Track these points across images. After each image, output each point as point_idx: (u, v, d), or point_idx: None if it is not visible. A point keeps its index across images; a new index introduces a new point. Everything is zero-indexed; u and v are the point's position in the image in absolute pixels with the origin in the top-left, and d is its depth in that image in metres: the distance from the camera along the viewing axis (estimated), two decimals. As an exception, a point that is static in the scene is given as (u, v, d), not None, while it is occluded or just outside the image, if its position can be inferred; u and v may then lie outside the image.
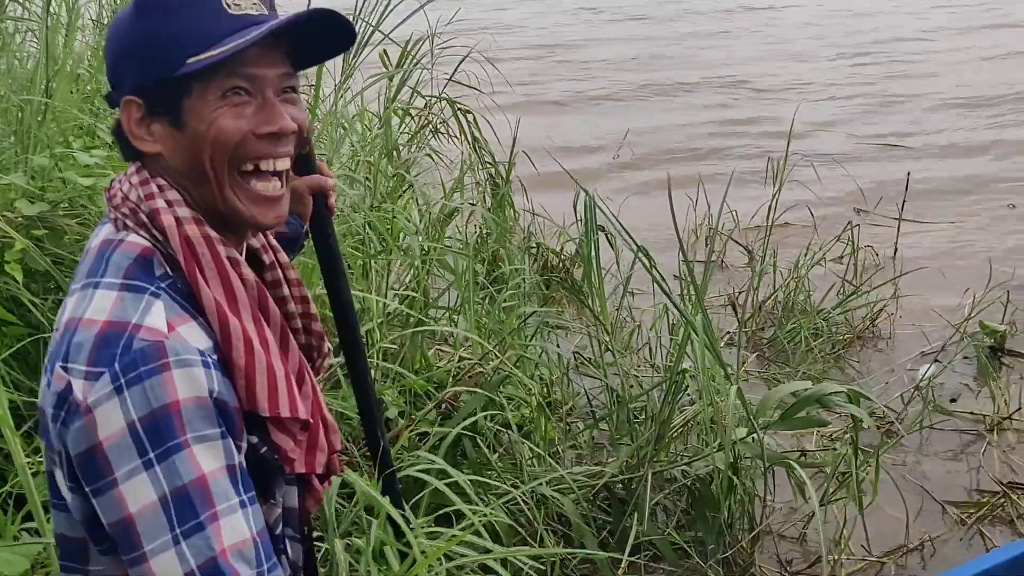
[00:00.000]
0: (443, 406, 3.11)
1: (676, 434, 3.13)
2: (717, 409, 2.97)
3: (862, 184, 6.27)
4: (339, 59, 4.59)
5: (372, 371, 3.07)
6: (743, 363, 4.13)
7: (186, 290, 1.16)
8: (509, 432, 3.00)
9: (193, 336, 1.12)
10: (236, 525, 1.07)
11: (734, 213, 5.48)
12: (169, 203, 1.18)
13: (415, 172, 5.08)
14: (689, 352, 3.07)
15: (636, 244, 2.88)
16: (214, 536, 1.05)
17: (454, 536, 2.12)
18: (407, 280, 3.60)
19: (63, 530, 1.18)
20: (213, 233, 1.19)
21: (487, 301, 3.71)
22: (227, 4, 1.16)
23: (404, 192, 4.60)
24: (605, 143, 7.80)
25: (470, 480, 2.85)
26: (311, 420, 1.22)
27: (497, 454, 3.12)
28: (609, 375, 3.49)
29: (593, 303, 3.58)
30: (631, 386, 3.62)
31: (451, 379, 3.22)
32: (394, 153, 4.46)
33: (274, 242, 1.39)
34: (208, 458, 1.07)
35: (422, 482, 2.60)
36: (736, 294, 4.70)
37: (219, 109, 1.16)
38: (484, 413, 2.98)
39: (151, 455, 1.04)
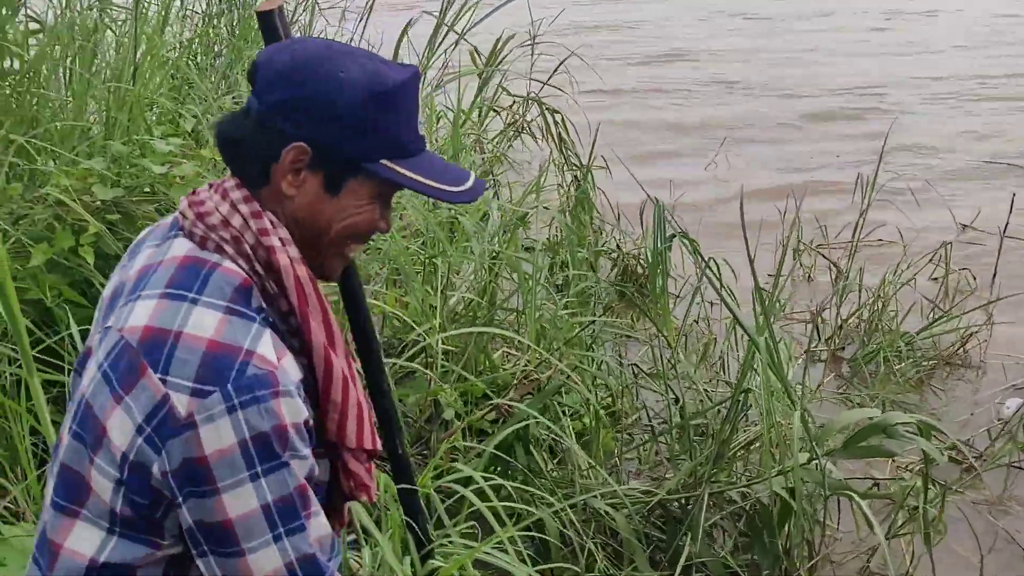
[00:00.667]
0: (500, 409, 3.09)
1: (737, 454, 3.03)
2: (779, 432, 2.87)
3: (970, 203, 5.99)
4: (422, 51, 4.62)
5: (431, 371, 3.09)
6: (820, 383, 3.99)
7: (279, 325, 1.26)
8: (562, 441, 2.95)
9: (292, 369, 1.23)
10: (322, 522, 1.26)
11: (823, 228, 5.32)
12: (283, 241, 1.25)
13: (499, 170, 5.09)
14: (757, 371, 2.97)
15: (702, 257, 2.79)
16: (308, 532, 1.22)
17: (471, 549, 2.08)
18: (473, 281, 3.58)
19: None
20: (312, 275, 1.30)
21: (556, 306, 3.67)
22: (420, 123, 1.32)
23: (486, 190, 4.59)
24: (704, 147, 7.63)
25: (518, 488, 2.83)
26: (383, 454, 1.41)
27: (554, 461, 3.09)
28: (673, 388, 3.41)
29: (657, 313, 3.50)
30: (700, 401, 3.53)
31: (514, 383, 3.20)
32: (473, 151, 4.46)
33: None
34: (302, 471, 1.23)
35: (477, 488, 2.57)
36: (818, 311, 4.55)
37: (369, 205, 1.29)
38: (536, 420, 2.93)
39: (258, 469, 1.17)
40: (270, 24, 1.61)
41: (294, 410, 1.19)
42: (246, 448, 1.15)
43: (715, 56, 10.90)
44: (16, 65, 3.64)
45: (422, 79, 3.98)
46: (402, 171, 1.25)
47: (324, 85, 1.22)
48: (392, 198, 1.35)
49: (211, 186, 1.31)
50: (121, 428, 1.17)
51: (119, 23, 4.02)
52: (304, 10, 5.87)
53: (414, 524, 1.98)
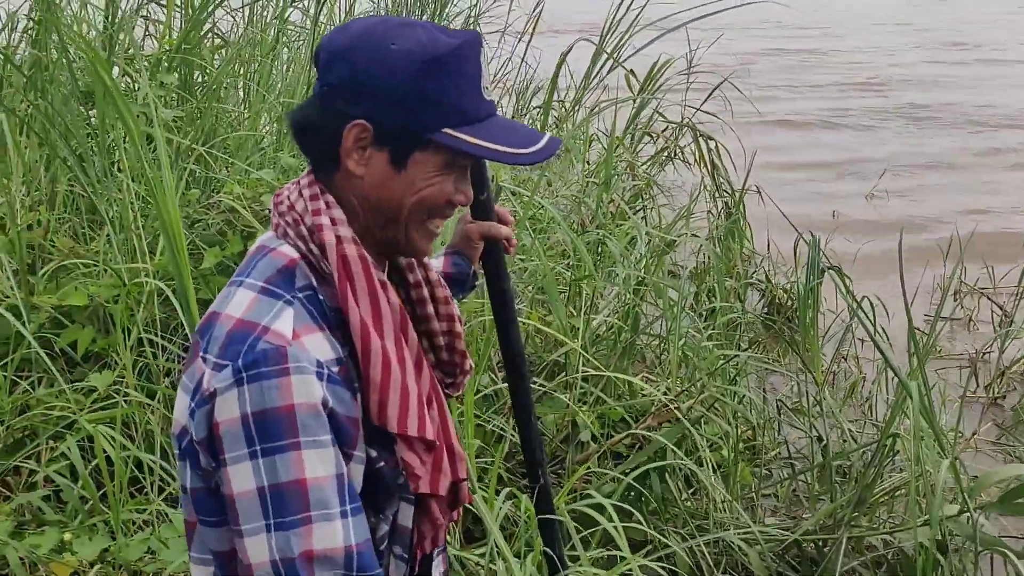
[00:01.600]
0: (639, 437, 3.08)
1: (880, 499, 2.92)
2: (927, 480, 2.75)
3: None
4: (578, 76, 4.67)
5: (571, 392, 3.12)
6: (975, 431, 3.80)
7: (327, 303, 1.22)
8: (699, 472, 2.92)
9: (315, 346, 1.17)
10: (331, 532, 1.13)
11: (990, 268, 5.07)
12: (333, 221, 1.23)
13: (651, 195, 5.08)
14: (907, 414, 2.86)
15: (853, 296, 2.71)
16: (302, 537, 1.12)
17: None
18: (617, 304, 3.59)
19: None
20: (368, 255, 1.24)
21: (700, 335, 3.63)
22: (484, 87, 1.25)
23: (636, 213, 4.60)
24: (867, 177, 7.37)
25: (652, 513, 2.82)
26: (436, 441, 1.25)
27: (689, 491, 3.06)
28: (818, 426, 3.32)
29: (805, 350, 3.41)
30: (844, 441, 3.43)
31: (652, 409, 3.18)
32: (626, 176, 4.47)
33: (426, 260, 1.42)
34: (315, 464, 1.13)
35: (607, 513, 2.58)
36: (979, 355, 4.33)
37: (439, 175, 1.24)
38: (673, 451, 2.90)
39: (257, 447, 1.13)
40: None
41: (305, 389, 1.13)
42: (247, 423, 1.12)
43: (897, 85, 10.57)
44: (201, 78, 3.90)
45: (547, 104, 3.95)
46: (465, 137, 1.21)
47: (377, 58, 1.19)
48: (467, 168, 1.29)
49: (298, 180, 1.34)
50: (180, 405, 1.21)
51: (295, 40, 4.24)
52: (472, 24, 6.04)
53: (552, 552, 2.00)
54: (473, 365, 1.46)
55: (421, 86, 1.19)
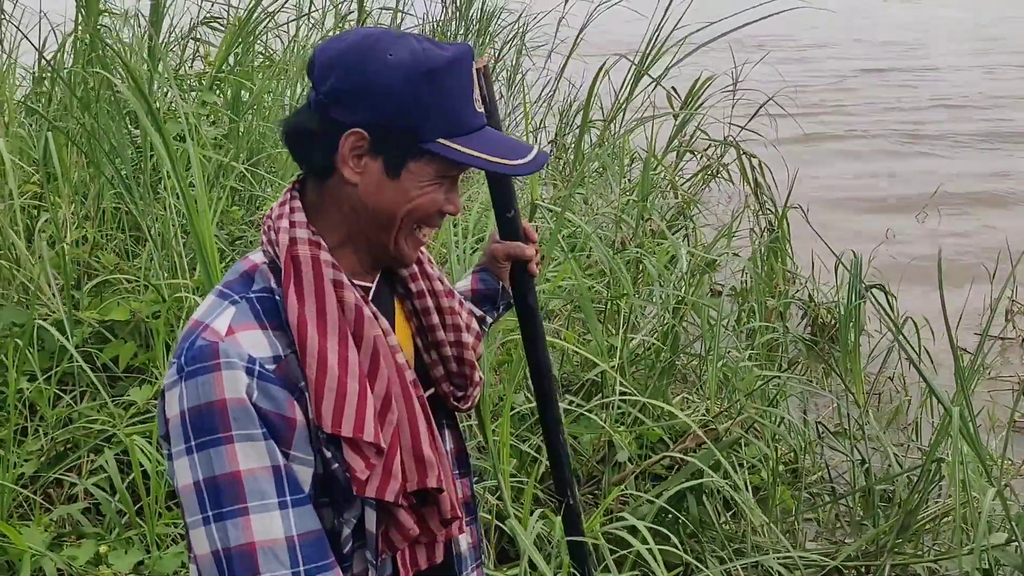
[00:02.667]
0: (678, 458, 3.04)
1: (925, 526, 2.85)
2: (974, 507, 2.68)
3: None
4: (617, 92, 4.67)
5: (608, 411, 3.09)
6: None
7: (283, 304, 1.23)
8: (738, 495, 2.87)
9: (252, 343, 1.19)
10: (269, 523, 1.14)
11: (1042, 287, 4.94)
12: (292, 224, 1.25)
13: (693, 214, 5.04)
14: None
15: (894, 320, 2.66)
16: (240, 529, 1.13)
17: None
18: (655, 324, 3.56)
19: None
20: (326, 256, 1.24)
21: (740, 355, 3.58)
22: (475, 99, 1.27)
23: (676, 233, 4.57)
24: (917, 198, 7.27)
25: (690, 536, 2.78)
26: (380, 444, 1.22)
27: (728, 514, 3.01)
28: (860, 450, 3.25)
29: (848, 372, 3.35)
30: (888, 465, 3.35)
31: (691, 431, 3.14)
32: (668, 194, 4.44)
33: (432, 271, 1.43)
34: (248, 456, 1.15)
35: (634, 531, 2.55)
36: (1030, 378, 4.22)
37: (431, 185, 1.26)
38: (710, 473, 2.86)
39: (192, 443, 1.15)
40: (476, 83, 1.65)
41: (234, 384, 1.14)
42: (184, 419, 1.15)
43: (947, 103, 10.42)
44: (248, 97, 3.96)
45: (584, 119, 3.95)
46: (459, 148, 1.23)
47: (373, 68, 1.21)
48: (458, 179, 1.32)
49: None
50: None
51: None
52: (511, 47, 6.07)
53: (580, 572, 1.98)
54: (483, 378, 1.44)
55: (417, 96, 1.21)
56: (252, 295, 1.23)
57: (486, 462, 2.82)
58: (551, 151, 1.42)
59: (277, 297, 1.23)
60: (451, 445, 1.47)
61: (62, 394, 2.86)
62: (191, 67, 4.56)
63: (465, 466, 1.50)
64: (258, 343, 1.19)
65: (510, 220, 1.72)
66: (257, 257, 1.27)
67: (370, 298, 1.32)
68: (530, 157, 1.29)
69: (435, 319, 1.39)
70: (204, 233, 1.88)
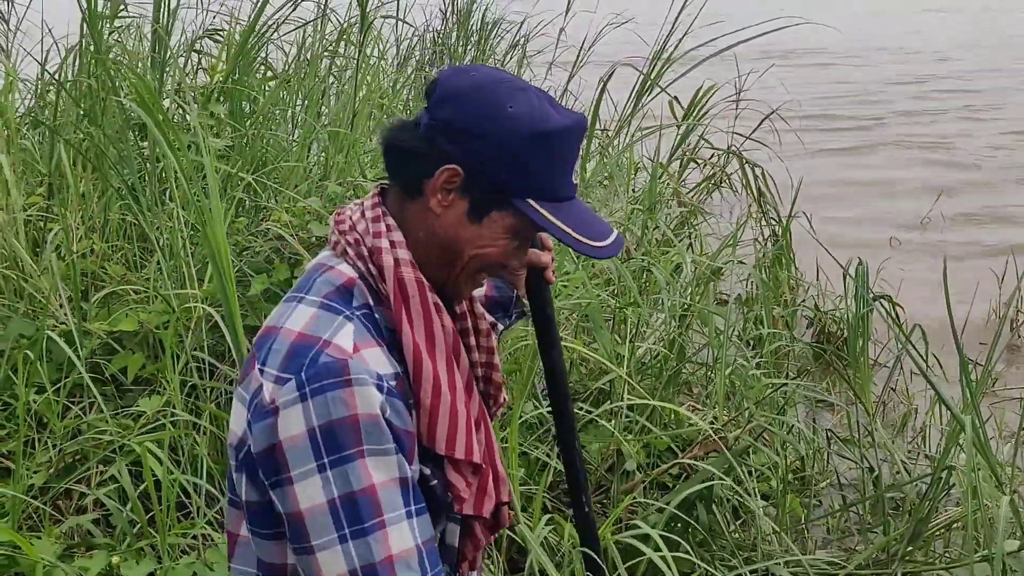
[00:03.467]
0: (686, 466, 3.04)
1: (935, 534, 2.85)
2: (985, 515, 2.68)
3: None
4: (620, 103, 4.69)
5: (614, 421, 3.09)
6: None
7: (383, 324, 1.25)
8: (746, 502, 2.87)
9: (375, 360, 1.20)
10: (403, 534, 1.16)
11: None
12: (393, 244, 1.26)
13: (696, 223, 5.05)
14: (965, 447, 2.79)
15: (902, 329, 2.66)
16: (380, 542, 1.14)
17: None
18: (663, 332, 3.56)
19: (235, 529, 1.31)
20: (424, 279, 1.27)
21: (747, 364, 3.58)
22: (575, 171, 1.30)
23: (681, 240, 4.57)
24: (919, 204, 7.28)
25: (700, 544, 2.77)
26: (483, 465, 1.27)
27: (737, 522, 3.01)
28: (869, 457, 3.25)
29: (856, 380, 3.35)
30: (896, 473, 3.35)
31: (699, 438, 3.14)
32: (672, 203, 4.44)
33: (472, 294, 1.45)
34: (380, 469, 1.16)
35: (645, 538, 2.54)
36: (1037, 386, 4.21)
37: (506, 239, 1.28)
38: (720, 481, 2.86)
39: (325, 460, 1.14)
40: None
41: (367, 400, 1.15)
42: (314, 437, 1.14)
43: (945, 111, 10.44)
44: (251, 108, 3.97)
45: (590, 131, 3.98)
46: (546, 214, 1.25)
47: (490, 114, 1.23)
48: (530, 240, 1.35)
49: (361, 200, 1.37)
50: (236, 417, 1.24)
51: (342, 71, 4.30)
52: (511, 57, 6.09)
53: None
54: (507, 399, 1.48)
55: (524, 154, 1.23)
56: (358, 312, 1.24)
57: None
58: (624, 240, 1.44)
59: (376, 316, 1.25)
60: None
61: (71, 405, 2.85)
62: (194, 79, 4.57)
63: None
64: (381, 361, 1.21)
65: None
66: (346, 269, 1.28)
67: None
68: (610, 240, 1.30)
69: (472, 340, 1.41)
70: (220, 244, 1.89)
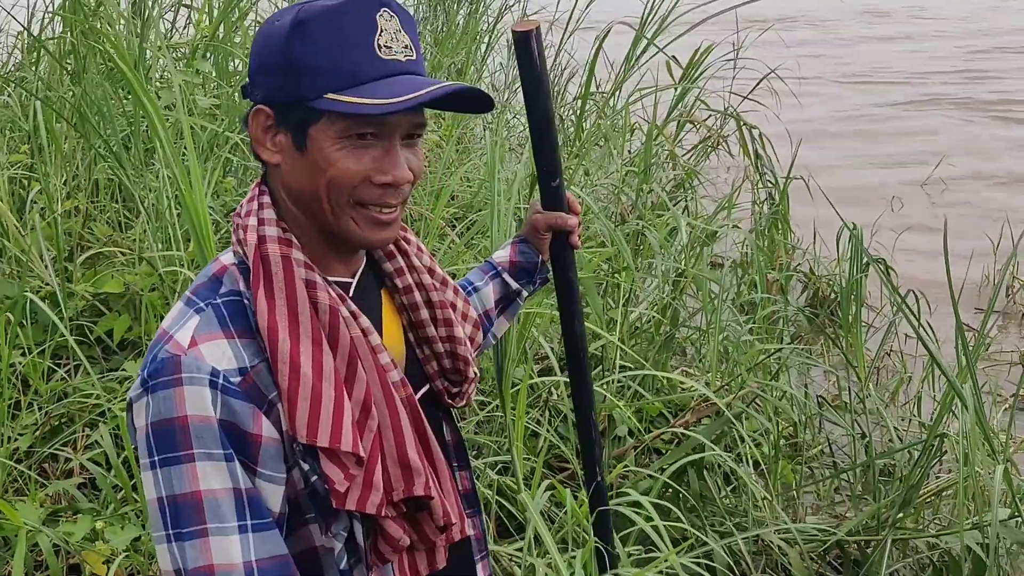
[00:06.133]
0: (679, 432, 3.03)
1: (926, 501, 2.84)
2: (977, 482, 2.66)
3: None
4: (617, 64, 4.61)
5: (608, 386, 3.06)
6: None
7: (253, 307, 1.16)
8: (739, 469, 2.85)
9: (215, 355, 1.12)
10: (227, 547, 1.09)
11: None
12: (261, 221, 1.19)
13: (691, 185, 5.00)
14: (958, 414, 2.78)
15: (898, 293, 2.63)
16: (199, 551, 1.08)
17: (638, 571, 2.04)
18: (657, 297, 3.52)
19: None
20: (298, 255, 1.18)
21: (740, 328, 3.56)
22: (378, 46, 1.15)
23: (676, 205, 4.52)
24: (920, 163, 7.24)
25: (690, 510, 2.76)
26: (361, 455, 1.16)
27: (728, 489, 3.00)
28: (861, 424, 3.24)
29: (850, 346, 3.33)
30: (888, 440, 3.34)
31: (691, 404, 3.12)
32: (667, 166, 4.39)
33: (421, 261, 1.36)
34: (210, 477, 1.09)
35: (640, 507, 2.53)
36: (1030, 352, 4.21)
37: (341, 149, 1.15)
38: (712, 448, 2.84)
39: (156, 458, 1.10)
40: (526, 47, 1.58)
41: (197, 401, 1.08)
42: (148, 434, 1.10)
43: (946, 77, 10.35)
44: (241, 67, 3.89)
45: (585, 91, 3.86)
46: (346, 99, 1.12)
47: (263, 39, 1.18)
48: (393, 141, 1.17)
49: None
50: None
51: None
52: (509, 14, 5.99)
53: (605, 547, 1.97)
54: (477, 373, 1.38)
55: (292, 53, 1.13)
56: (219, 300, 1.16)
57: (490, 438, 2.80)
58: (470, 87, 1.31)
59: (245, 300, 1.16)
60: (449, 437, 1.42)
61: (56, 368, 2.82)
62: (184, 33, 4.48)
63: (463, 458, 1.45)
64: (222, 354, 1.12)
65: (554, 189, 1.67)
66: (227, 258, 1.21)
67: (351, 294, 1.25)
68: (421, 91, 1.13)
69: (424, 314, 1.33)
70: (198, 206, 1.84)
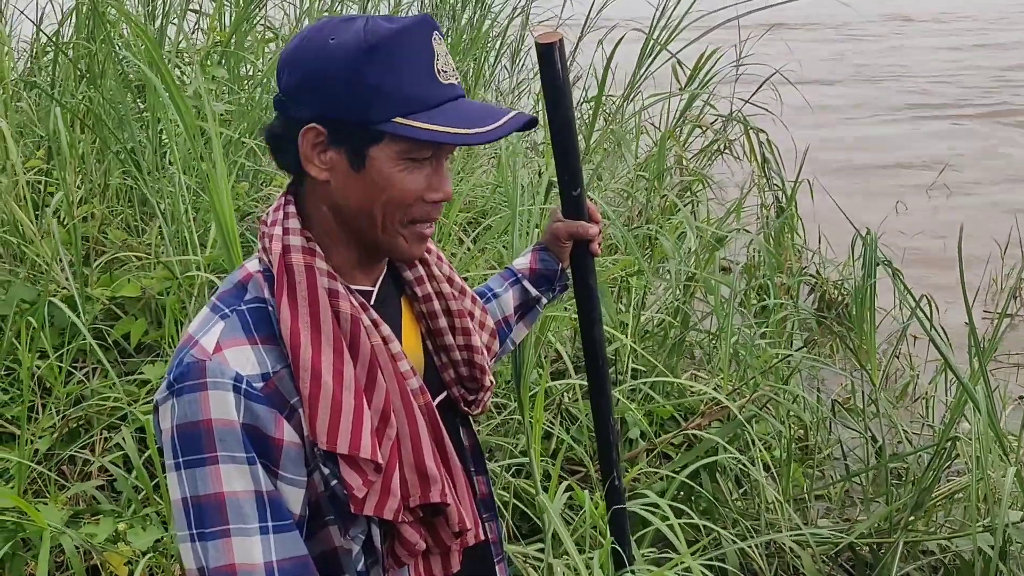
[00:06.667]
0: (689, 435, 3.05)
1: (938, 504, 2.86)
2: (989, 485, 2.68)
3: None
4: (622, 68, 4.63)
5: (617, 389, 3.08)
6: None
7: (276, 315, 1.19)
8: (751, 472, 2.88)
9: (239, 360, 1.15)
10: (248, 549, 1.12)
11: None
12: (286, 231, 1.21)
13: (699, 189, 5.02)
14: (968, 417, 2.80)
15: (913, 296, 2.65)
16: (221, 550, 1.12)
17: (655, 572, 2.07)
18: (668, 300, 3.54)
19: None
20: (321, 265, 1.20)
21: (752, 332, 3.58)
22: (439, 71, 1.19)
23: (684, 207, 4.55)
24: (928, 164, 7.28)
25: (703, 513, 2.78)
26: (380, 462, 1.19)
27: (739, 492, 3.02)
28: (873, 427, 3.26)
29: (862, 349, 3.35)
30: (899, 442, 3.36)
31: (701, 407, 3.14)
32: (675, 170, 4.41)
33: (441, 271, 1.38)
34: (233, 479, 1.13)
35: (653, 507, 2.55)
36: (1036, 355, 4.23)
37: (403, 170, 1.19)
38: (725, 450, 2.86)
39: (180, 460, 1.14)
40: (549, 58, 1.61)
41: (221, 405, 1.12)
42: (173, 435, 1.13)
43: (951, 82, 10.38)
44: (251, 71, 3.92)
45: (598, 97, 3.89)
46: (416, 124, 1.15)
47: (317, 57, 1.16)
48: (442, 162, 1.22)
49: None
50: None
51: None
52: (513, 21, 6.01)
53: (621, 549, 1.99)
54: (494, 382, 1.41)
55: (361, 77, 1.14)
56: (244, 307, 1.19)
57: (505, 439, 2.82)
58: (532, 116, 1.35)
59: (270, 308, 1.19)
60: (467, 442, 1.44)
61: (74, 371, 2.84)
62: (193, 40, 4.51)
63: (480, 463, 1.47)
64: (246, 360, 1.16)
65: (575, 198, 1.69)
66: (253, 265, 1.24)
67: (372, 302, 1.28)
68: (496, 124, 1.18)
69: (443, 323, 1.36)
70: (225, 210, 1.86)
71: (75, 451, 2.62)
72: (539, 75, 1.69)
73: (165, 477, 2.30)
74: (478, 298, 1.49)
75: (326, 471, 1.18)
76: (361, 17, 1.19)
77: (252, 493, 1.13)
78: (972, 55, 12.09)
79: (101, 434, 2.67)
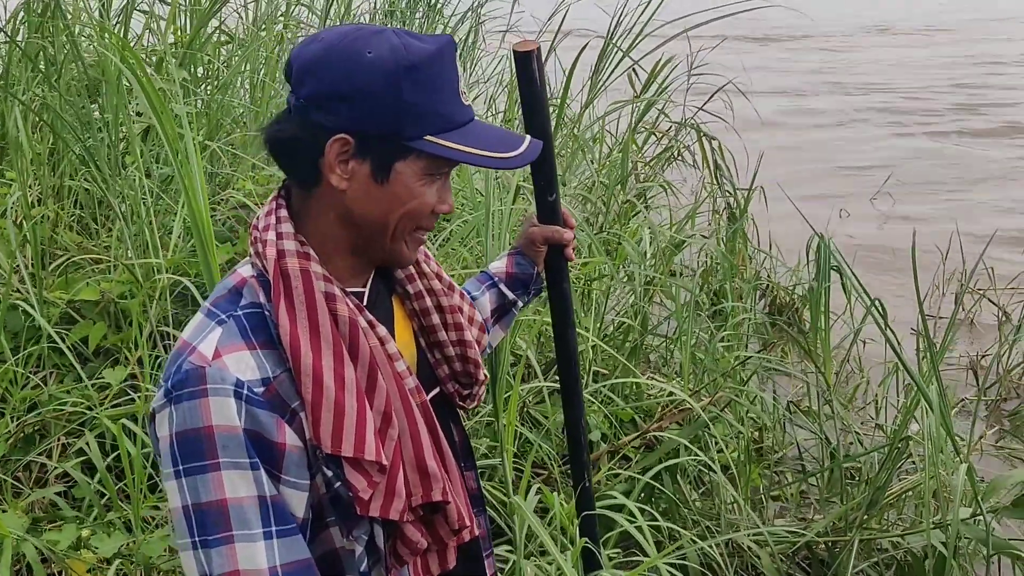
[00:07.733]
0: (647, 437, 3.09)
1: (891, 502, 2.94)
2: (940, 483, 2.77)
3: None
4: (586, 78, 4.70)
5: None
6: (982, 435, 3.82)
7: (272, 320, 1.19)
8: (712, 473, 2.93)
9: (239, 366, 1.15)
10: (252, 554, 1.12)
11: (990, 270, 5.09)
12: (280, 236, 1.21)
13: (651, 195, 5.09)
14: (917, 418, 2.88)
15: (869, 297, 2.73)
16: (225, 557, 1.12)
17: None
18: (628, 304, 3.59)
19: None
20: (316, 268, 1.21)
21: (708, 336, 3.64)
22: (461, 92, 1.23)
23: (637, 214, 4.61)
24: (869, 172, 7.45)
25: (663, 514, 2.82)
26: (384, 463, 1.20)
27: (699, 493, 3.07)
28: (827, 428, 3.33)
29: (816, 351, 3.43)
30: (850, 443, 3.44)
31: (660, 410, 3.19)
32: (631, 177, 4.47)
33: (430, 268, 1.40)
34: (235, 484, 1.13)
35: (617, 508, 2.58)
36: (979, 357, 4.36)
37: (424, 184, 1.22)
38: (687, 451, 2.91)
39: (180, 467, 1.13)
40: (527, 67, 1.63)
41: (223, 411, 1.12)
42: (173, 443, 1.13)
43: (902, 90, 10.64)
44: (206, 73, 3.88)
45: (560, 105, 3.96)
46: (448, 144, 1.18)
47: (352, 68, 1.16)
48: (449, 176, 1.27)
49: None
50: None
51: (300, 36, 4.22)
52: (470, 29, 6.03)
53: (593, 548, 2.02)
54: (487, 376, 1.43)
55: (399, 95, 1.16)
56: (240, 312, 1.19)
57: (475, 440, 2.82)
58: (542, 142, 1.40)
59: (266, 312, 1.20)
60: (457, 438, 1.46)
61: (31, 376, 2.79)
62: (146, 42, 4.45)
63: (469, 458, 1.49)
64: (246, 365, 1.16)
65: (551, 204, 1.72)
66: (246, 271, 1.24)
67: (364, 303, 1.29)
68: (522, 149, 1.25)
69: (435, 319, 1.38)
70: (201, 212, 1.85)
71: (32, 457, 2.57)
72: (516, 82, 1.71)
73: (135, 482, 2.28)
74: (465, 294, 1.51)
75: (329, 474, 1.19)
76: (388, 30, 1.21)
77: (255, 498, 1.13)
78: (949, 70, 12.42)
79: (58, 440, 2.63)
